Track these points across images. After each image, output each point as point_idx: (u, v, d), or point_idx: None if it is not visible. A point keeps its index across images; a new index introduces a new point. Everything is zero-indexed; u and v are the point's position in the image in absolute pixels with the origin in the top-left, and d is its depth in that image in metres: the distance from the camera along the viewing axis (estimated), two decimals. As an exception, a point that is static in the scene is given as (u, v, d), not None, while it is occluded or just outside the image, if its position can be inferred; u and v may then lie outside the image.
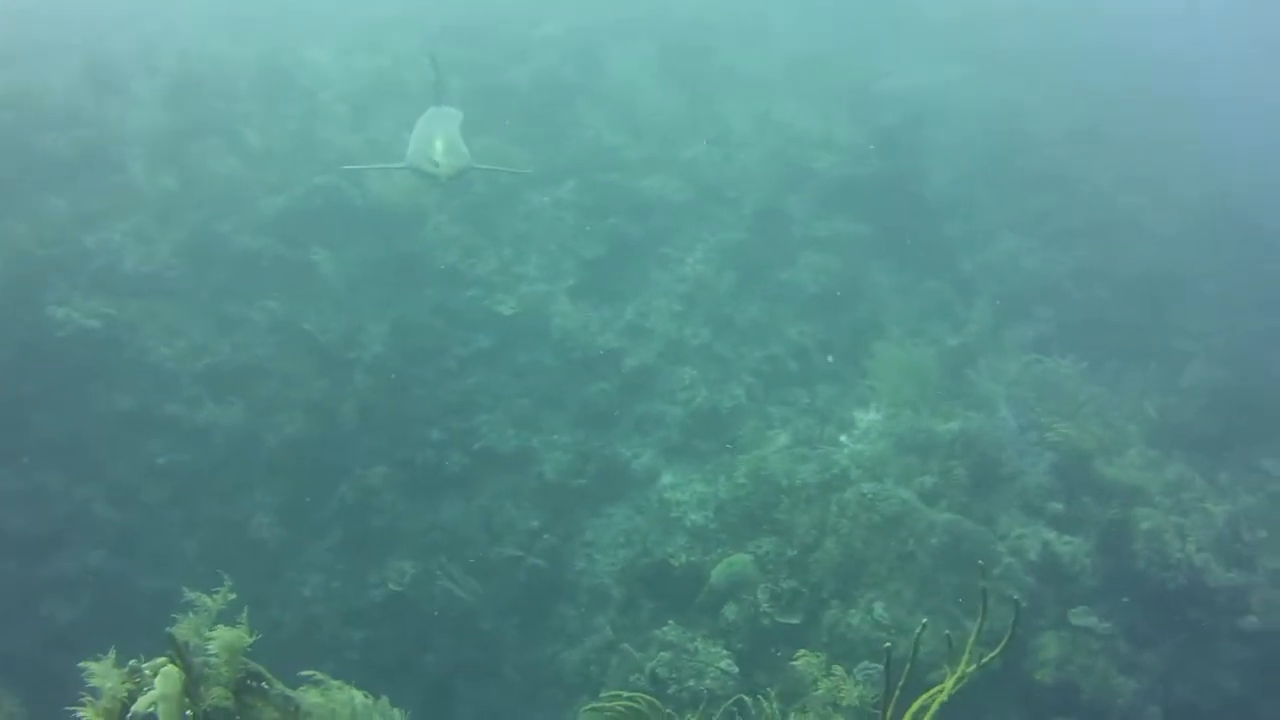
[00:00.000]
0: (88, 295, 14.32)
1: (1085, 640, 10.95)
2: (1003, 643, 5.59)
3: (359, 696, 7.00)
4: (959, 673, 5.83)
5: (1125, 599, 11.27)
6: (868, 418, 14.11)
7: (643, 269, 17.03)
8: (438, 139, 11.23)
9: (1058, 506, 12.05)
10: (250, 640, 6.26)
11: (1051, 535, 11.64)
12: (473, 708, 12.58)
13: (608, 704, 6.84)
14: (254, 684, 6.17)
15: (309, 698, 6.72)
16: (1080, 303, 17.25)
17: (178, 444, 13.82)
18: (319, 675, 6.90)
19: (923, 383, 13.72)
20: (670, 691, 10.81)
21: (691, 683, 11.04)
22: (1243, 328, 17.10)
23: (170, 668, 5.69)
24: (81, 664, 5.80)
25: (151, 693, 5.66)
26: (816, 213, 18.00)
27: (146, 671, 5.92)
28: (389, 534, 13.57)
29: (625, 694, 6.81)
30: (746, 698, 9.00)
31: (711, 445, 14.35)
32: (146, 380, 14.10)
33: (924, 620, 6.90)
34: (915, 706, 5.91)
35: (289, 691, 6.34)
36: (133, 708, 5.57)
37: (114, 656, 5.85)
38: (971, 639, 5.73)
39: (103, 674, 5.69)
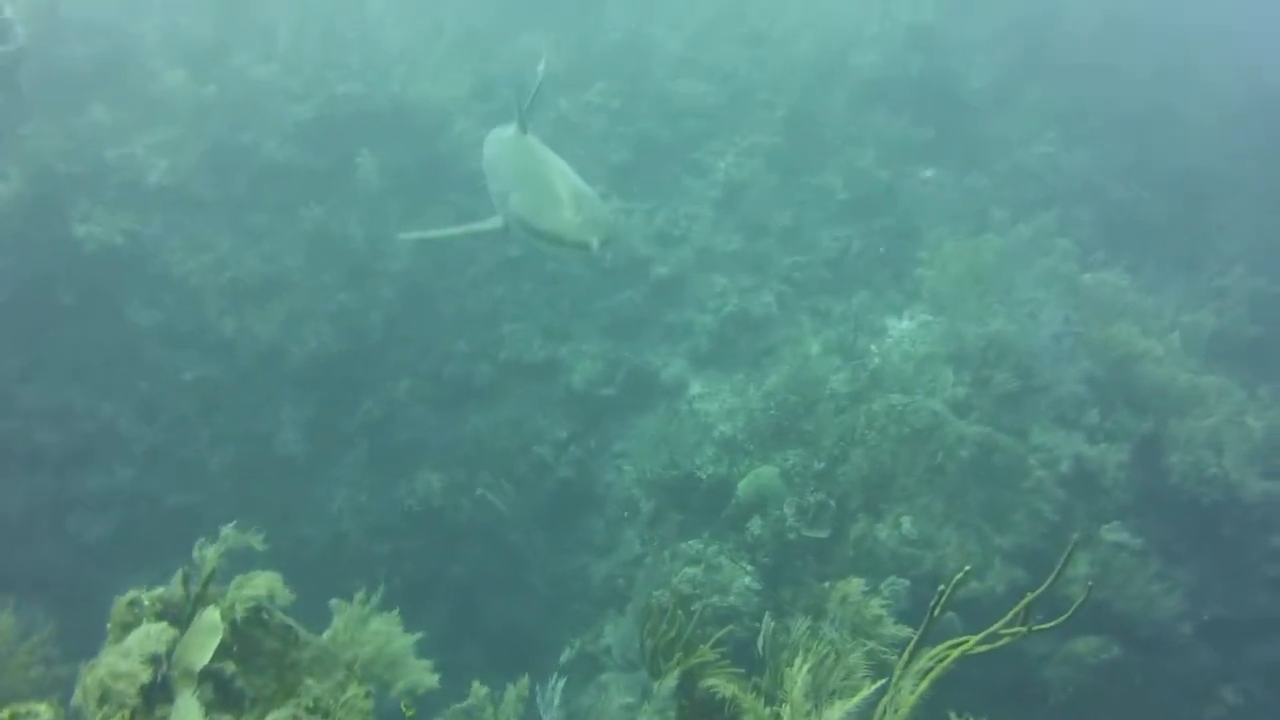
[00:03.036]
0: (111, 211, 14.15)
1: (1117, 556, 10.79)
2: (1067, 612, 5.34)
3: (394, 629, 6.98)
4: (1001, 626, 5.58)
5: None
6: (900, 326, 13.88)
7: (673, 174, 16.71)
8: (565, 202, 8.59)
9: (1092, 418, 11.77)
10: (288, 597, 6.26)
11: (1084, 448, 11.41)
12: (499, 620, 12.61)
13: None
14: (255, 614, 6.17)
15: (337, 621, 6.79)
16: (1119, 202, 16.76)
17: (204, 358, 13.79)
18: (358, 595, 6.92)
19: (973, 282, 13.28)
20: (693, 609, 10.74)
21: (715, 599, 10.97)
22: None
23: (211, 611, 5.72)
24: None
25: (142, 627, 5.68)
26: (851, 114, 17.55)
27: (146, 603, 5.93)
28: (416, 447, 13.56)
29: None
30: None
31: (742, 355, 14.15)
32: (172, 295, 14.02)
33: (966, 568, 6.69)
34: (940, 649, 5.72)
35: (288, 621, 6.34)
36: (124, 640, 5.58)
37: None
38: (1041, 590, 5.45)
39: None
